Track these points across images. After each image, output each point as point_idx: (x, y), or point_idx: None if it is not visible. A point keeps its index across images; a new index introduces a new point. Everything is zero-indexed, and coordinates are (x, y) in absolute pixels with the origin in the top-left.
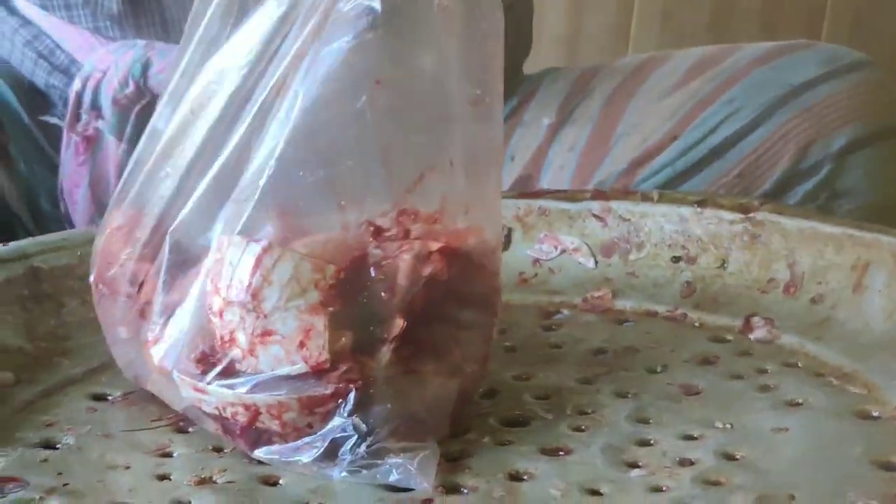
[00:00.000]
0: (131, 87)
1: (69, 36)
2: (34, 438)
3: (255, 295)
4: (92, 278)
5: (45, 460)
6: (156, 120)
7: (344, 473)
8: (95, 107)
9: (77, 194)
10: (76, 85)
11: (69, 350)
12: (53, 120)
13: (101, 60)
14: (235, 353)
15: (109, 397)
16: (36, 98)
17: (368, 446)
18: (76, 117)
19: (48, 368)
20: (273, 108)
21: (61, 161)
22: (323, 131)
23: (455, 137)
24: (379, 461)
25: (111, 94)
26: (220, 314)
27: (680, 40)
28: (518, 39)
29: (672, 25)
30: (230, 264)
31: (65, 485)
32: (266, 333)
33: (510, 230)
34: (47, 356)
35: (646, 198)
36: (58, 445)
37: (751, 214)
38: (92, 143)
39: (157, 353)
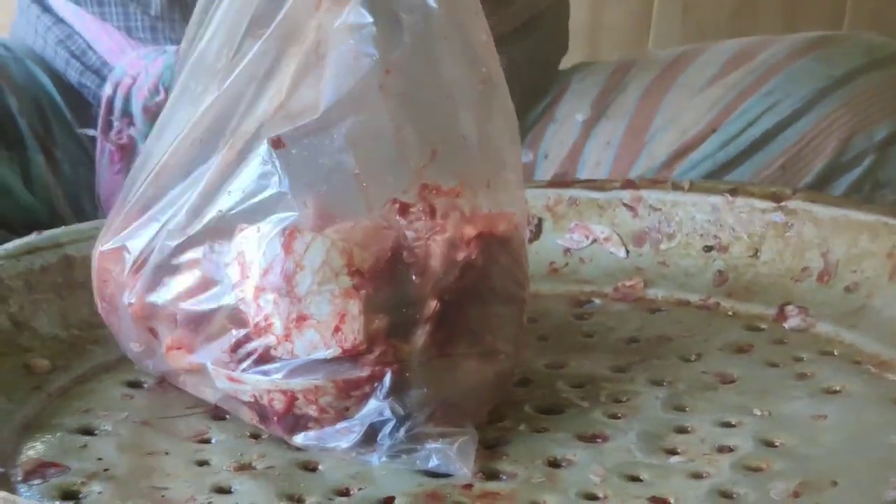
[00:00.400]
0: (161, 95)
1: (100, 37)
2: (72, 424)
3: (289, 280)
4: (95, 297)
5: (85, 446)
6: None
7: (383, 458)
8: (127, 114)
9: (114, 203)
10: (107, 89)
11: (102, 338)
12: (92, 132)
13: (132, 65)
14: (270, 339)
15: (144, 384)
16: (76, 97)
17: (407, 431)
18: (108, 124)
19: (82, 356)
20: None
21: (97, 169)
22: (341, 120)
23: (464, 115)
24: (418, 446)
25: (142, 101)
26: (254, 301)
27: (701, 31)
28: (554, 39)
29: (693, 16)
30: (261, 252)
31: (105, 470)
32: (301, 318)
33: (540, 220)
34: (81, 343)
35: (677, 187)
36: (96, 431)
37: (783, 203)
38: (127, 151)
39: (183, 354)
